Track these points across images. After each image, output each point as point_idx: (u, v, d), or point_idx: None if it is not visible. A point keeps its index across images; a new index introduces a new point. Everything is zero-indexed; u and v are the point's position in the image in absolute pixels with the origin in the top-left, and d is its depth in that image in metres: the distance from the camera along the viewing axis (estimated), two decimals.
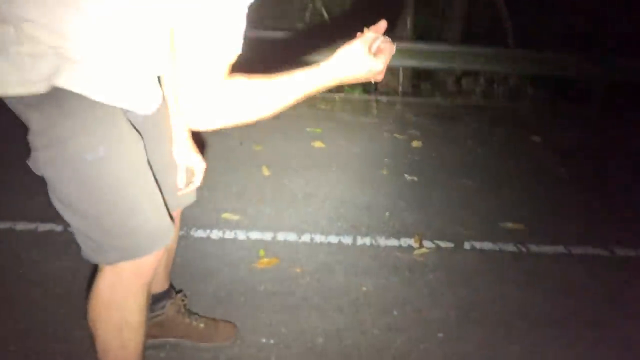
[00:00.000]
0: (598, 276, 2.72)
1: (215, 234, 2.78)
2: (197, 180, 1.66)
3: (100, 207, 1.27)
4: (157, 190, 1.38)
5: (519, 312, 2.37)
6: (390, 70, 5.71)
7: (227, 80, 1.07)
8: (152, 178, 1.37)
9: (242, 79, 1.10)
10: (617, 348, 2.19)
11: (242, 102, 1.11)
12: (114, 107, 1.24)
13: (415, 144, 4.48)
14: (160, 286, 1.84)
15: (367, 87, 6.17)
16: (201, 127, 1.12)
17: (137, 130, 1.34)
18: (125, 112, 1.30)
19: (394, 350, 2.09)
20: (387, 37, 1.17)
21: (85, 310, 1.45)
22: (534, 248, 2.92)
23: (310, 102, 5.27)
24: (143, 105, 1.31)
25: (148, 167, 1.35)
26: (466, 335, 2.21)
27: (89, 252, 1.34)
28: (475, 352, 2.13)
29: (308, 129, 4.58)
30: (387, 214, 3.19)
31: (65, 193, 1.25)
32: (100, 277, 1.40)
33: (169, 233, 1.40)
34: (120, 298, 1.41)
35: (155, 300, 1.83)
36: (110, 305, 1.41)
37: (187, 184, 1.63)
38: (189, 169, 1.62)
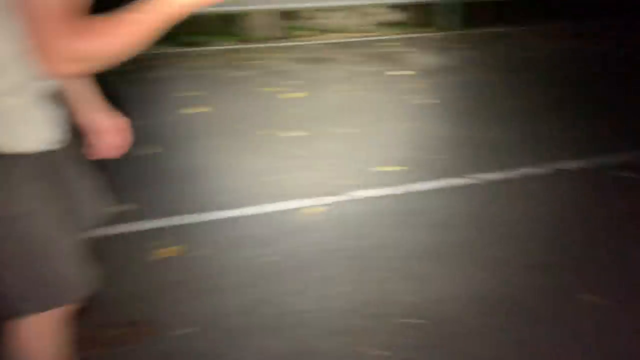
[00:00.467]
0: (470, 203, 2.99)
1: (110, 231, 2.60)
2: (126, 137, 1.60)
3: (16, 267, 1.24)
4: (75, 244, 1.33)
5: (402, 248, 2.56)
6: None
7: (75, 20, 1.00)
8: (72, 230, 1.33)
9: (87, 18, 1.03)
10: (486, 269, 2.40)
11: (94, 37, 1.03)
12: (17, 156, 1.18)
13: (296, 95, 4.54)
14: None
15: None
16: (66, 72, 1.08)
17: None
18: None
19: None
20: None
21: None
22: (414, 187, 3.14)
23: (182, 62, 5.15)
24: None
25: (66, 219, 1.30)
26: None
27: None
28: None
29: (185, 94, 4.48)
30: (275, 177, 3.25)
31: None
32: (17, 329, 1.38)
33: (88, 284, 1.36)
34: (46, 342, 1.42)
35: None
36: (41, 350, 1.42)
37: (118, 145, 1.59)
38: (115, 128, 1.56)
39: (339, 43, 6.47)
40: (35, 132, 1.21)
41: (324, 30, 6.87)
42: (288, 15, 6.80)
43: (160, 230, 2.70)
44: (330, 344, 1.98)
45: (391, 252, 2.51)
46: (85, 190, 1.45)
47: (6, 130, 1.15)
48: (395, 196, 3.02)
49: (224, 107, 4.35)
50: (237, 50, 6.11)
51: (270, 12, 6.58)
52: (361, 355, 1.93)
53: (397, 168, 3.29)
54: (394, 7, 7.21)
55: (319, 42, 6.59)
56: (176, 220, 2.79)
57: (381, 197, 3.00)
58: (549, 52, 5.95)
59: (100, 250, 2.42)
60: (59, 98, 1.29)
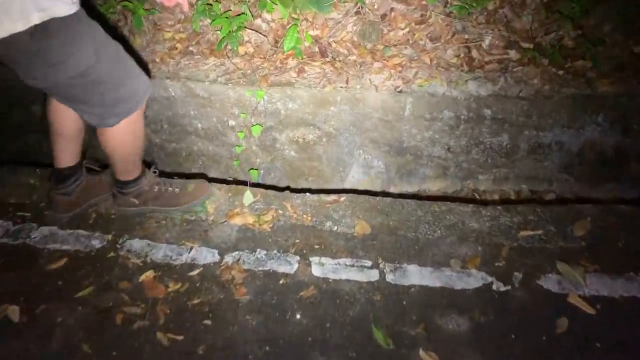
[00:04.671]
0: None
1: None
2: None
3: (95, 97, 1.76)
4: (129, 60, 1.87)
5: None
6: None
7: None
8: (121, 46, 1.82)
9: None
10: None
11: None
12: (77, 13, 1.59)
13: None
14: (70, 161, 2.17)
15: None
16: None
17: None
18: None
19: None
20: None
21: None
22: None
23: None
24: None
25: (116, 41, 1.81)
26: None
27: (97, 122, 1.87)
28: None
29: None
30: None
31: (72, 94, 1.74)
32: (113, 132, 1.91)
33: (147, 88, 1.92)
34: (131, 135, 1.97)
35: (64, 178, 2.19)
36: (124, 141, 1.98)
37: None
38: None
39: None
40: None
41: None
42: None
43: None
44: None
45: None
46: None
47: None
48: None
49: None
50: None
51: None
52: None
53: None
54: None
55: None
56: None
57: None
58: None
59: None
60: None
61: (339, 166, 3.09)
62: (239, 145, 3.04)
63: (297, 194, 2.36)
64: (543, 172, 3.05)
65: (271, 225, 2.20)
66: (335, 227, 2.19)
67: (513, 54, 3.04)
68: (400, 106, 2.88)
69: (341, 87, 2.87)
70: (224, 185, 2.40)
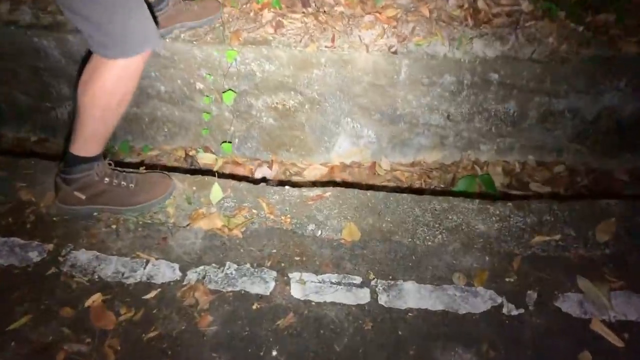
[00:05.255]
0: None
1: None
2: None
3: (104, 16, 1.62)
4: (145, 5, 1.71)
5: None
6: None
7: None
8: None
9: None
10: None
11: None
12: None
13: None
14: None
15: None
16: None
17: None
18: None
19: None
20: None
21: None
22: None
23: None
24: None
25: None
26: None
27: (98, 49, 1.70)
28: None
29: None
30: None
31: (79, 7, 1.62)
32: (106, 70, 1.71)
33: (156, 38, 1.78)
34: (122, 87, 1.76)
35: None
36: (113, 93, 1.75)
37: None
38: None
39: None
40: None
41: None
42: None
43: None
44: None
45: None
46: None
47: None
48: None
49: None
50: None
51: None
52: None
53: None
54: None
55: None
56: None
57: None
58: None
59: None
60: None
61: (324, 135, 2.71)
62: (207, 112, 2.63)
63: (275, 188, 1.99)
64: (552, 141, 2.70)
65: (243, 229, 1.85)
66: (320, 232, 1.85)
67: (525, 5, 2.61)
68: (395, 69, 2.47)
69: (326, 46, 2.44)
70: (188, 176, 2.03)
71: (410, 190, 2.49)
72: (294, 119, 2.66)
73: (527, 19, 2.56)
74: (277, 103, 2.62)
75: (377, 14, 2.55)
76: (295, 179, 2.70)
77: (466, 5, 2.62)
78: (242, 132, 2.74)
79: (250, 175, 2.71)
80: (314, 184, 2.65)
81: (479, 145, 2.72)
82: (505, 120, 2.62)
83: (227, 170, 2.73)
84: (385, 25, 2.51)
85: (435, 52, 2.42)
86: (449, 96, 2.55)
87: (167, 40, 2.49)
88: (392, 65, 2.45)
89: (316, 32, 2.50)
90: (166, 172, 1.99)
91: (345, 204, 1.93)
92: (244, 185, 1.99)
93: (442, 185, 2.66)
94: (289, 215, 1.89)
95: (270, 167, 2.74)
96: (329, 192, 1.96)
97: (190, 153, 2.79)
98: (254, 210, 1.91)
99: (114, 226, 1.86)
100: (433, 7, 2.60)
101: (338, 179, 2.70)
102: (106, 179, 1.89)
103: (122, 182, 1.89)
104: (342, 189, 1.98)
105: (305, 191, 1.97)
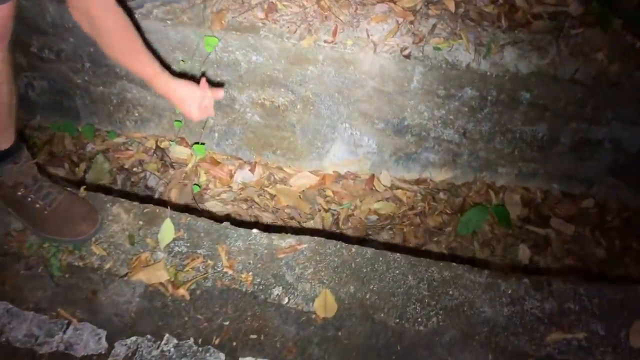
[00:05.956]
0: None
1: None
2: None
3: None
4: None
5: None
6: None
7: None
8: None
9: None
10: None
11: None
12: None
13: None
14: None
15: None
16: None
17: None
18: None
19: None
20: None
21: None
22: None
23: None
24: None
25: None
26: None
27: None
28: None
29: None
30: None
31: None
32: None
33: None
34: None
35: None
36: None
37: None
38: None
39: None
40: None
41: None
42: None
43: None
44: None
45: None
46: None
47: None
48: None
49: None
50: None
51: None
52: None
53: None
54: None
55: None
56: None
57: None
58: None
59: None
60: None
61: (316, 140, 2.30)
62: None
63: (239, 232, 1.60)
64: (584, 172, 2.27)
65: (193, 287, 1.48)
66: (287, 299, 1.48)
67: (574, 7, 2.12)
68: (406, 76, 2.04)
69: (325, 41, 2.00)
70: (136, 205, 1.64)
71: (406, 249, 2.10)
72: (283, 118, 2.24)
73: (573, 26, 2.08)
74: (264, 99, 2.20)
75: (392, 4, 2.08)
76: (279, 187, 2.31)
77: (501, 0, 2.14)
78: (223, 126, 2.33)
79: (228, 180, 2.33)
80: (301, 194, 2.27)
81: (496, 167, 2.30)
82: (531, 144, 2.19)
83: (203, 169, 2.35)
84: (400, 20, 2.05)
85: (456, 60, 1.97)
86: (468, 112, 2.11)
87: (137, 15, 2.05)
88: (403, 71, 2.01)
89: (315, 21, 2.05)
90: (96, 211, 1.59)
91: (323, 262, 1.55)
92: (202, 224, 1.61)
93: (448, 211, 2.27)
94: (251, 273, 1.51)
95: (252, 169, 2.35)
96: (305, 243, 1.57)
97: (162, 145, 2.39)
98: (210, 261, 1.53)
99: (36, 269, 1.49)
100: (461, 0, 2.12)
101: (329, 191, 2.32)
102: (21, 188, 1.51)
103: (39, 201, 1.51)
104: (322, 240, 1.59)
105: (276, 239, 1.58)
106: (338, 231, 2.21)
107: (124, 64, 1.43)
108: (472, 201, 2.29)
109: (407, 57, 1.99)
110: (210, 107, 1.57)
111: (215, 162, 2.37)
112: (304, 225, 2.22)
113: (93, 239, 1.55)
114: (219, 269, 1.52)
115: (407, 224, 2.23)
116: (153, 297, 1.46)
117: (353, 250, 1.57)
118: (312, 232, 1.96)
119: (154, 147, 2.38)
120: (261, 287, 1.50)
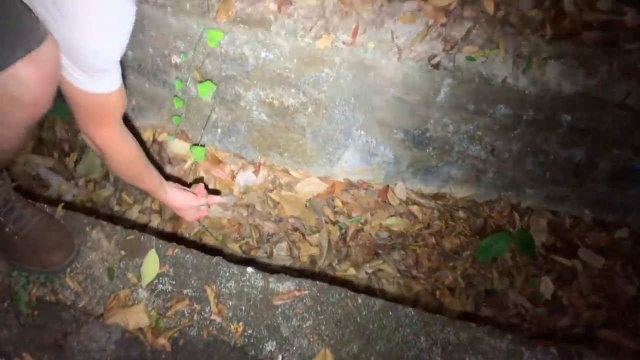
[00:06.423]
0: None
1: None
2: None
3: None
4: None
5: None
6: None
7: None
8: None
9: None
10: None
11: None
12: None
13: None
14: None
15: None
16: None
17: None
18: None
19: None
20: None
21: None
22: None
23: None
24: None
25: None
26: None
27: None
28: None
29: None
30: None
31: None
32: None
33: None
34: None
35: None
36: None
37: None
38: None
39: None
40: None
41: None
42: None
43: None
44: None
45: None
46: None
47: None
48: None
49: None
50: None
51: None
52: None
53: None
54: None
55: None
56: None
57: None
58: None
59: None
60: None
61: (327, 145, 2.08)
62: (178, 98, 2.01)
63: (232, 270, 1.41)
64: (621, 199, 2.05)
65: (175, 335, 1.30)
66: (280, 358, 1.30)
67: (631, 16, 1.84)
68: (433, 87, 1.80)
69: (344, 42, 1.76)
70: (119, 230, 1.45)
71: (418, 304, 1.89)
72: (292, 119, 2.02)
73: (628, 39, 1.81)
74: (272, 98, 1.97)
75: (423, 1, 1.82)
76: (284, 194, 2.11)
77: (548, 3, 1.87)
78: (227, 122, 2.12)
79: (230, 181, 2.13)
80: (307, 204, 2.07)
81: (524, 188, 2.08)
82: (565, 167, 1.97)
83: (202, 168, 2.15)
84: (431, 21, 1.79)
85: (491, 73, 1.73)
86: (499, 129, 1.88)
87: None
88: (430, 82, 1.78)
89: (334, 17, 1.80)
90: (72, 238, 1.40)
91: (324, 313, 1.36)
92: (190, 257, 1.41)
93: (467, 233, 2.06)
94: (242, 322, 1.33)
95: (256, 171, 2.15)
96: (306, 290, 1.38)
97: (160, 138, 2.19)
98: (196, 305, 1.35)
99: (2, 303, 1.32)
100: (501, 2, 1.85)
101: (338, 201, 2.11)
102: None
103: (10, 226, 1.33)
104: (324, 286, 1.39)
105: (273, 282, 1.39)
106: (345, 248, 2.02)
107: (126, 181, 1.46)
108: (493, 222, 2.08)
109: (436, 66, 1.74)
110: (205, 211, 1.73)
111: (217, 161, 2.17)
112: (308, 238, 2.03)
113: (68, 269, 1.37)
114: (206, 315, 1.34)
115: (421, 244, 2.03)
116: (130, 346, 1.28)
117: (359, 300, 1.37)
118: (311, 266, 1.77)
119: (151, 139, 2.18)
120: (252, 341, 1.32)
